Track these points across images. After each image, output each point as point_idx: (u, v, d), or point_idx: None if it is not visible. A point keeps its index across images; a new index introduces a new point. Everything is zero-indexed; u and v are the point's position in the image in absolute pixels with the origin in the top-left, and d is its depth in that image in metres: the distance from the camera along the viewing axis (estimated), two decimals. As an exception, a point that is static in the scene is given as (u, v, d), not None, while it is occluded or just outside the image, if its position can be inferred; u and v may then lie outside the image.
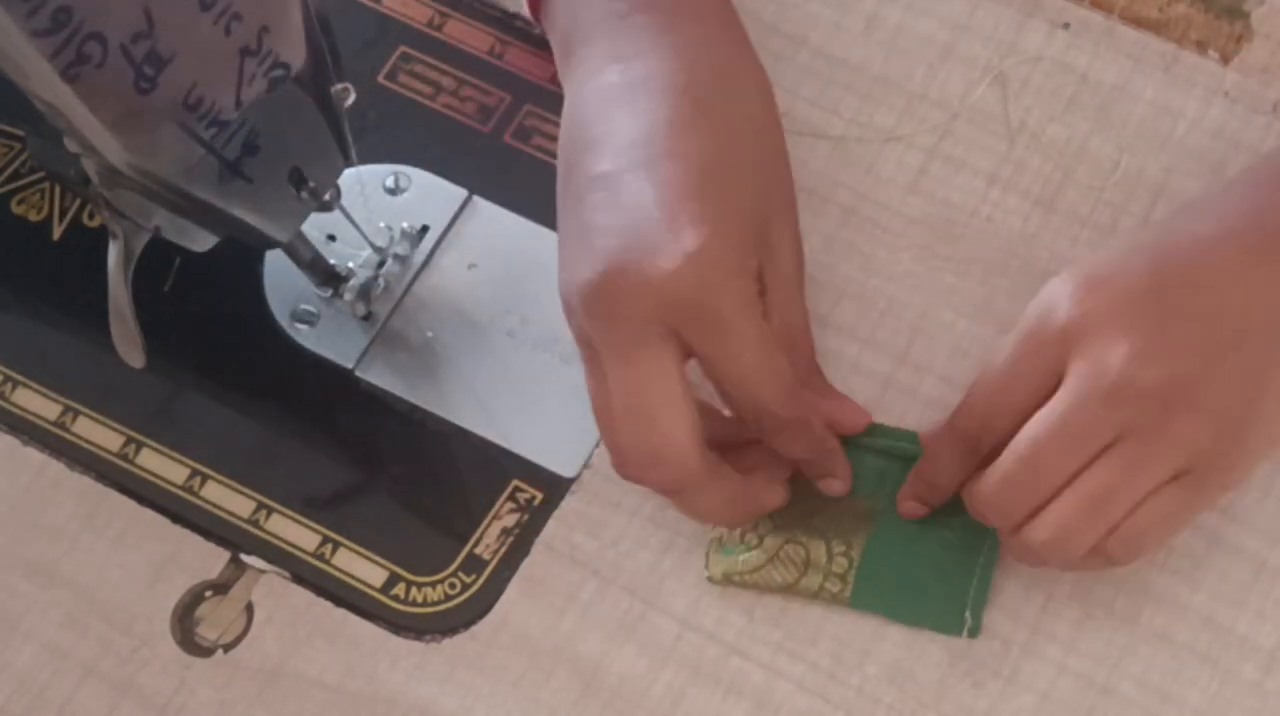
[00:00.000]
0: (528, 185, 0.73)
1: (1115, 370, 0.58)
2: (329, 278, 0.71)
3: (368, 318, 0.72)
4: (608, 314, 0.60)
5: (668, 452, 0.61)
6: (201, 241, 0.65)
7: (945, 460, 0.64)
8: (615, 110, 0.63)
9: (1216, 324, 0.60)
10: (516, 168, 0.74)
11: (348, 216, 0.68)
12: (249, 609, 0.68)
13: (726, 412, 0.64)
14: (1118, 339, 0.59)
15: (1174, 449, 0.59)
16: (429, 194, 0.74)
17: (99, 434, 0.71)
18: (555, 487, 0.69)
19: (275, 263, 0.72)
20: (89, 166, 0.62)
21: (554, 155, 0.65)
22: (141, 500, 0.70)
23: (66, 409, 0.71)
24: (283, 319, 0.72)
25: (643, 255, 0.59)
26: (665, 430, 0.60)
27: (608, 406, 0.61)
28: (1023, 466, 0.60)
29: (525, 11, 0.71)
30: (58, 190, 0.76)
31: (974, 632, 0.65)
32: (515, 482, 0.69)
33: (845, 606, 0.65)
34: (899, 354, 0.69)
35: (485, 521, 0.68)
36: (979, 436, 0.62)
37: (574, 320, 0.62)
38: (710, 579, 0.66)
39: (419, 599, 0.67)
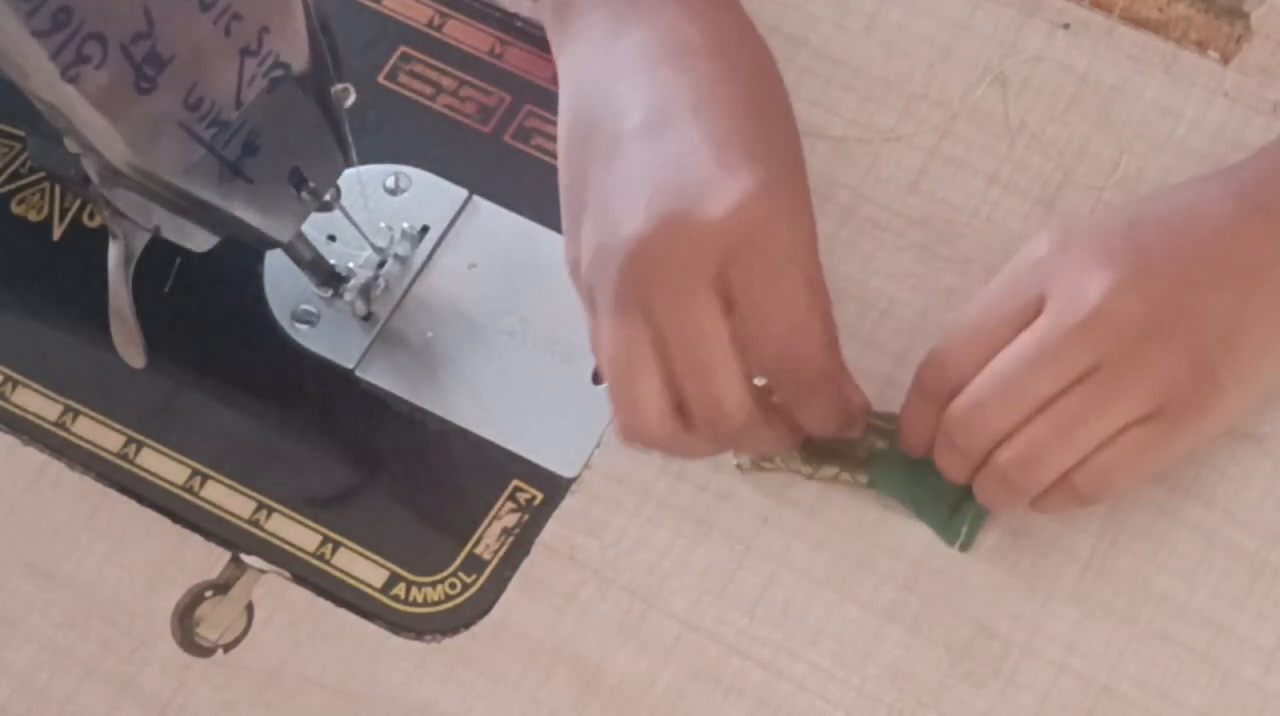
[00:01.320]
0: (528, 185, 0.73)
1: (1094, 298, 0.59)
2: (329, 278, 0.71)
3: (368, 318, 0.72)
4: (663, 263, 0.58)
5: (729, 401, 0.59)
6: (201, 241, 0.66)
7: (918, 418, 0.63)
8: (636, 73, 0.62)
9: (1195, 265, 0.61)
10: (516, 168, 0.74)
11: (348, 216, 0.68)
12: (249, 609, 0.68)
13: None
14: (1097, 271, 0.60)
15: (1149, 381, 0.60)
16: (429, 194, 0.74)
17: (99, 434, 0.71)
18: (555, 487, 0.69)
19: (275, 263, 0.72)
20: (89, 166, 0.62)
21: (554, 155, 0.65)
22: (141, 500, 0.70)
23: (66, 409, 0.71)
24: (283, 319, 0.72)
25: (696, 199, 0.57)
26: (727, 379, 0.59)
27: (650, 364, 0.59)
28: (994, 388, 0.60)
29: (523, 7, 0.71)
30: (58, 190, 0.76)
31: (965, 547, 0.66)
32: (515, 482, 0.69)
33: (863, 489, 0.67)
34: (899, 354, 0.69)
35: (485, 521, 0.68)
36: (953, 385, 0.62)
37: (608, 281, 0.59)
38: (739, 467, 0.67)
39: (419, 599, 0.67)
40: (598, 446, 0.69)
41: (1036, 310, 0.60)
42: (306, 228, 0.67)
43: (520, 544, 0.68)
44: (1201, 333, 0.60)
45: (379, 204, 0.73)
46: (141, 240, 0.65)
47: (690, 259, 0.57)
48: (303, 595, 0.68)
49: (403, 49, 0.77)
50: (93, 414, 0.71)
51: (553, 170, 0.65)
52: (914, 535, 0.67)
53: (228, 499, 0.70)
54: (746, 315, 0.59)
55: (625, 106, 0.61)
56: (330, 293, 0.71)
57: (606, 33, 0.64)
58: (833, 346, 0.61)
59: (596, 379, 0.69)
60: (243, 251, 0.68)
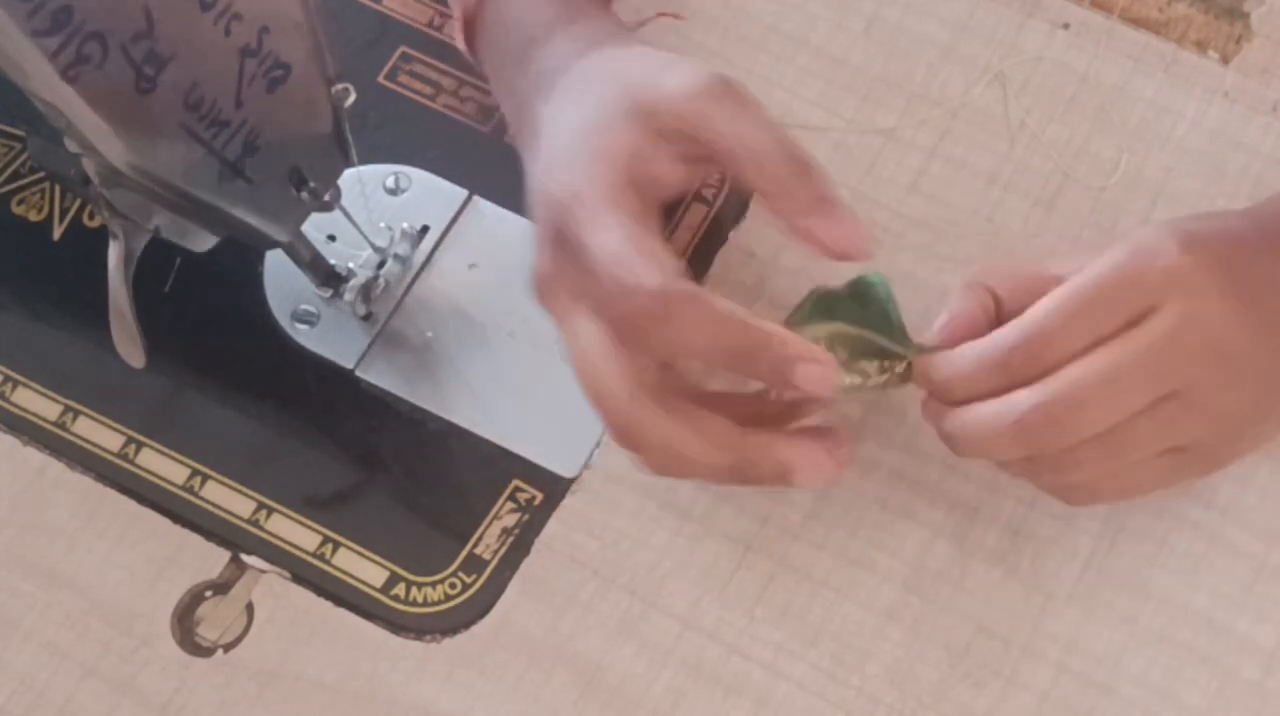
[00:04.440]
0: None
1: (1211, 325, 0.58)
2: (329, 278, 0.71)
3: (368, 318, 0.72)
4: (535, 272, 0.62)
5: (608, 380, 0.60)
6: (201, 241, 0.66)
7: (977, 375, 0.60)
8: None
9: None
10: (516, 168, 0.74)
11: (348, 216, 0.68)
12: (249, 609, 0.68)
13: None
14: (1219, 293, 0.58)
15: (1211, 422, 0.59)
16: (429, 194, 0.74)
17: (99, 434, 0.71)
18: (555, 487, 0.69)
19: (275, 263, 0.72)
20: (89, 166, 0.62)
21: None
22: (141, 500, 0.70)
23: (66, 409, 0.71)
24: (283, 319, 0.72)
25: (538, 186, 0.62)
26: (601, 355, 0.60)
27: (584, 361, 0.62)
28: (1093, 392, 0.57)
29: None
30: (58, 190, 0.76)
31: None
32: (515, 482, 0.69)
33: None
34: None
35: (485, 521, 0.68)
36: (1032, 357, 0.59)
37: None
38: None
39: (419, 599, 0.68)
40: (598, 446, 0.69)
41: (1147, 310, 0.58)
42: (306, 228, 0.67)
43: (520, 544, 0.68)
44: (1271, 383, 0.60)
45: (379, 204, 0.73)
46: (141, 240, 0.65)
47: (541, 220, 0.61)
48: (303, 595, 0.68)
49: (403, 49, 0.77)
50: (93, 414, 0.71)
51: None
52: (914, 535, 0.67)
53: (228, 499, 0.70)
54: (584, 268, 0.60)
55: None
56: (330, 293, 0.71)
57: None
58: (668, 273, 0.58)
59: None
60: (243, 251, 0.68)
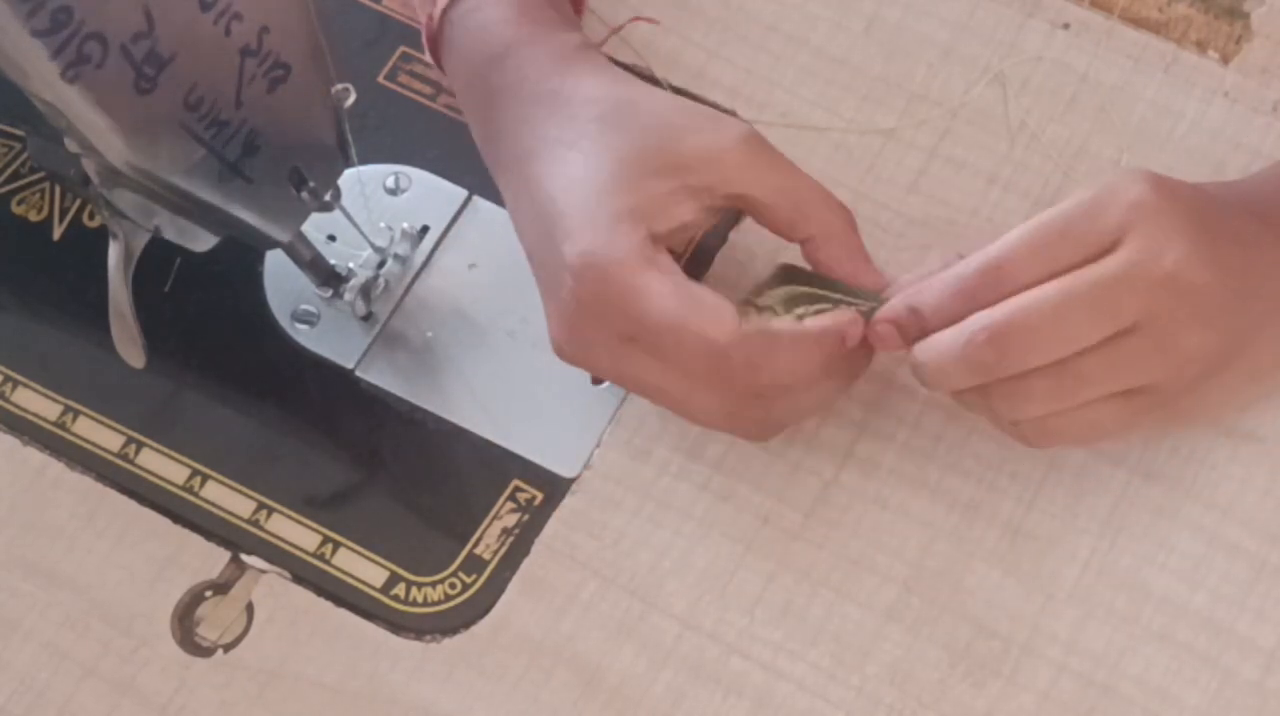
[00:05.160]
0: (528, 185, 0.73)
1: (1170, 260, 0.58)
2: (329, 278, 0.71)
3: (368, 318, 0.72)
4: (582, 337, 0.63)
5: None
6: (201, 241, 0.66)
7: (940, 302, 0.60)
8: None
9: (1251, 268, 0.60)
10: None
11: (348, 216, 0.68)
12: (249, 609, 0.68)
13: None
14: (1181, 232, 0.58)
15: (1168, 362, 0.59)
16: (429, 194, 0.74)
17: (99, 434, 0.71)
18: (555, 487, 0.69)
19: (275, 263, 0.72)
20: (89, 166, 0.62)
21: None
22: (141, 500, 0.70)
23: (66, 409, 0.71)
24: (283, 319, 0.72)
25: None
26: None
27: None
28: (1047, 319, 0.58)
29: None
30: (58, 190, 0.76)
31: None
32: (515, 482, 0.69)
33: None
34: (899, 354, 0.69)
35: (485, 521, 0.68)
36: (991, 284, 0.59)
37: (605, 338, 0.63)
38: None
39: (419, 599, 0.68)
40: (598, 446, 0.69)
41: (1110, 245, 0.58)
42: (306, 228, 0.67)
43: (520, 544, 0.68)
44: (1233, 332, 0.60)
45: (379, 204, 0.73)
46: (141, 240, 0.65)
47: (595, 322, 0.62)
48: (303, 595, 0.68)
49: (403, 49, 0.77)
50: (93, 414, 0.71)
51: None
52: (914, 535, 0.67)
53: (228, 499, 0.70)
54: (641, 351, 0.62)
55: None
56: (330, 293, 0.71)
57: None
58: (723, 318, 0.61)
59: (596, 379, 0.69)
60: (243, 251, 0.68)
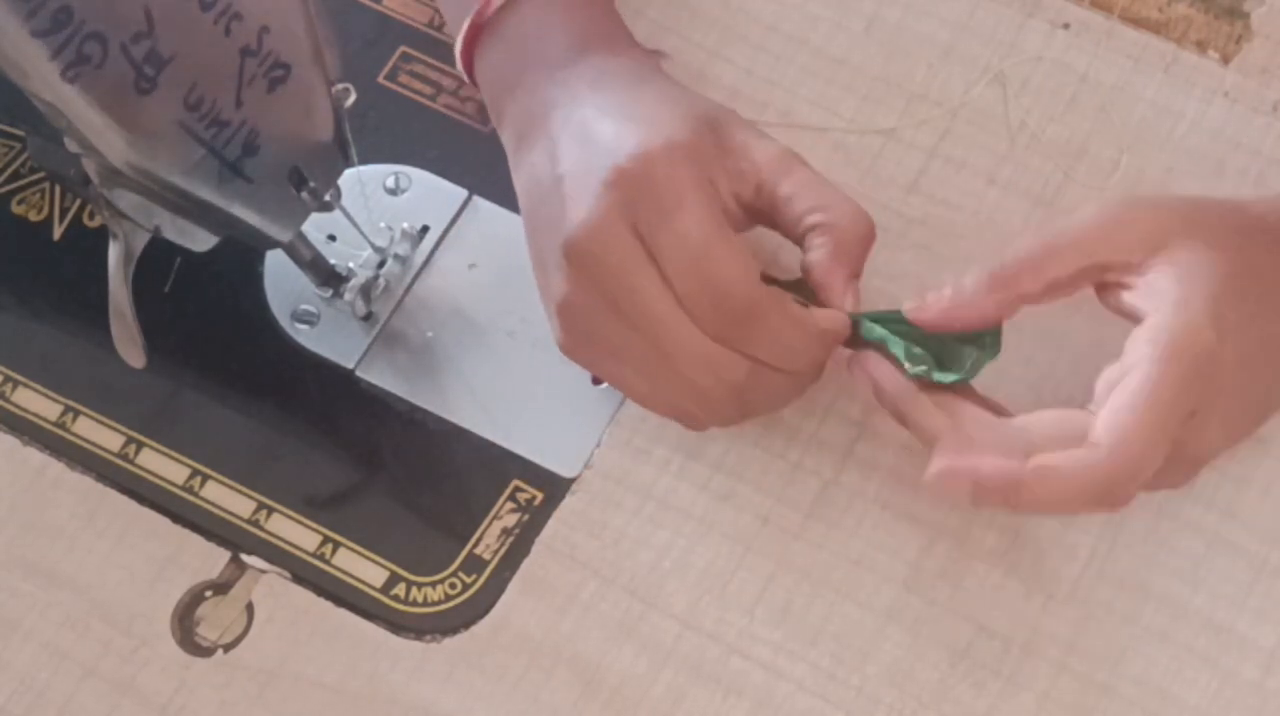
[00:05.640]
0: (528, 185, 0.73)
1: (1210, 343, 0.58)
2: (329, 278, 0.71)
3: (368, 318, 0.72)
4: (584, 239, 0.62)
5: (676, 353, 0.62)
6: (201, 241, 0.65)
7: (985, 296, 0.62)
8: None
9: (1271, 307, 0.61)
10: (516, 168, 0.74)
11: (348, 216, 0.68)
12: (249, 609, 0.68)
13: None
14: (1212, 254, 0.60)
15: (1222, 429, 0.61)
16: (429, 194, 0.74)
17: (99, 434, 0.71)
18: (555, 487, 0.69)
19: (275, 263, 0.72)
20: (89, 166, 0.62)
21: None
22: (141, 500, 0.70)
23: (66, 409, 0.71)
24: (283, 319, 0.72)
25: (597, 169, 0.62)
26: (672, 322, 0.62)
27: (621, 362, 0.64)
28: (1154, 442, 0.58)
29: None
30: (58, 190, 0.76)
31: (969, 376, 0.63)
32: (515, 482, 0.69)
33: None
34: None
35: (485, 521, 0.68)
36: (1043, 282, 0.61)
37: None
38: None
39: (419, 599, 0.68)
40: (598, 446, 0.69)
41: (1147, 253, 0.60)
42: (306, 228, 0.67)
43: (520, 544, 0.68)
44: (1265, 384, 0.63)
45: (379, 204, 0.73)
46: (141, 240, 0.65)
47: (604, 204, 0.61)
48: (303, 595, 0.68)
49: (403, 49, 0.77)
50: (93, 414, 0.71)
51: (553, 170, 0.65)
52: (914, 535, 0.67)
53: (228, 499, 0.70)
54: (657, 255, 0.61)
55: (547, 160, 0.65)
56: (330, 293, 0.71)
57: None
58: (751, 276, 0.61)
59: (596, 379, 0.69)
60: (243, 251, 0.68)
